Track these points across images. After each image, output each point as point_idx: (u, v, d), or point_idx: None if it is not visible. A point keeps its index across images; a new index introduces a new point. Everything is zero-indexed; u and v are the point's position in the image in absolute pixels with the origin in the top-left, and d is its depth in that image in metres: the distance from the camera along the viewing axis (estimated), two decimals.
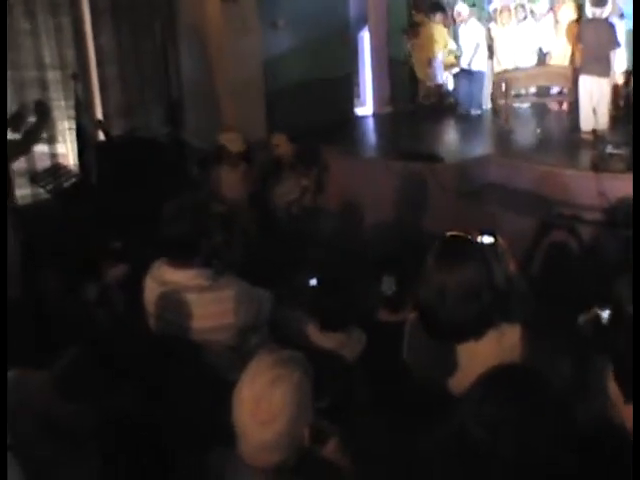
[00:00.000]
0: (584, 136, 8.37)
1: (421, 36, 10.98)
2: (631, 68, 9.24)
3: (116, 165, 6.00)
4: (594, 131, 8.29)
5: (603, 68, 8.17)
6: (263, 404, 1.86)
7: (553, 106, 10.45)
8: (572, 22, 10.19)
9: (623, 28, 9.35)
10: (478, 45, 10.56)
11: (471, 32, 10.61)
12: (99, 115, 6.84)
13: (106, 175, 6.02)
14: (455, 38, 10.94)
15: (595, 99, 8.23)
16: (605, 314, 2.71)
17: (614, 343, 2.28)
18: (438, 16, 10.87)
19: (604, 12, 8.34)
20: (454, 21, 10.98)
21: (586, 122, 8.40)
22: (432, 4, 11.23)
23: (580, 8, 10.06)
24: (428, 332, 2.67)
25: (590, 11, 8.43)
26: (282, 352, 2.02)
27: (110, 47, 6.85)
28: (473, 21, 10.64)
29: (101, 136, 6.55)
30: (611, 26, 8.56)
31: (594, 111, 8.30)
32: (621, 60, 9.41)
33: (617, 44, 8.43)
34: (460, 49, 10.77)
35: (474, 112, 10.65)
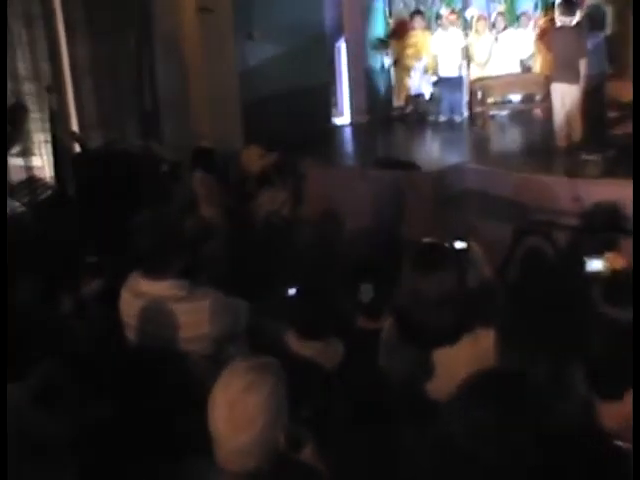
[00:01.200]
0: (559, 142, 8.47)
1: (403, 44, 11.08)
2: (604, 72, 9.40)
3: (92, 177, 5.97)
4: (568, 137, 8.39)
5: (572, 75, 8.28)
6: (238, 409, 1.87)
7: (537, 113, 10.52)
8: (543, 31, 10.38)
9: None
10: (460, 52, 10.64)
11: (450, 39, 10.66)
12: (74, 127, 6.80)
13: (82, 187, 5.99)
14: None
15: (567, 106, 8.34)
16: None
17: (587, 345, 2.31)
18: (417, 21, 10.96)
19: (573, 20, 8.47)
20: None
21: (559, 129, 8.50)
22: (413, 11, 11.35)
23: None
24: (404, 338, 2.69)
25: (559, 20, 8.56)
26: (256, 358, 2.03)
27: (85, 59, 6.82)
28: (453, 28, 10.71)
29: (77, 148, 6.52)
30: (580, 33, 8.69)
31: (567, 117, 8.40)
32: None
33: (586, 52, 8.56)
34: (443, 58, 10.83)
35: (453, 119, 10.74)
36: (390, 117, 11.29)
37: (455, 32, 10.68)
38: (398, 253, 3.12)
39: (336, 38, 11.15)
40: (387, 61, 11.44)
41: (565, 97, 8.31)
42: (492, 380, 1.92)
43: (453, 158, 8.58)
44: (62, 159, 6.09)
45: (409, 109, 11.33)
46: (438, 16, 11.11)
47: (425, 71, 11.08)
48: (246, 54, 8.65)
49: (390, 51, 11.34)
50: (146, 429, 2.45)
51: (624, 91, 9.32)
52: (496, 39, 10.79)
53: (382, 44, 11.47)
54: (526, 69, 10.82)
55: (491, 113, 10.48)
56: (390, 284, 3.04)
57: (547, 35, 9.61)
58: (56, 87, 6.47)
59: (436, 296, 2.57)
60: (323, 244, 6.62)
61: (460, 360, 2.51)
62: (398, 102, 11.44)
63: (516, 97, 10.98)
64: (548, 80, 9.08)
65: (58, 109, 6.34)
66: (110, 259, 4.03)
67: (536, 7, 11.26)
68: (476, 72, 10.77)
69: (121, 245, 3.54)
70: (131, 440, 2.46)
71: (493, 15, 11.08)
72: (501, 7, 11.20)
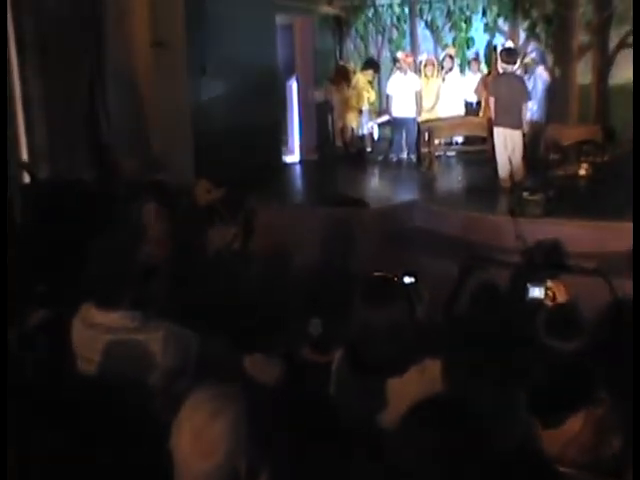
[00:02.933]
0: (502, 183, 8.74)
1: (350, 85, 11.33)
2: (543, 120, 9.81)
3: (41, 207, 5.91)
4: (511, 178, 8.67)
5: (515, 120, 8.61)
6: (203, 436, 1.89)
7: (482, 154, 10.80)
8: (485, 76, 10.78)
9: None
10: (415, 94, 10.92)
11: (406, 81, 10.94)
12: (24, 156, 6.75)
13: (31, 217, 5.92)
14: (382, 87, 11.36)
15: (509, 149, 8.64)
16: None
17: (531, 374, 2.40)
18: (370, 72, 11.31)
19: (514, 67, 8.84)
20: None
21: (502, 170, 8.78)
22: (367, 60, 11.68)
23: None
24: (353, 369, 2.75)
25: (501, 67, 8.91)
26: (220, 386, 2.05)
27: (37, 88, 6.79)
28: (410, 71, 11.02)
29: (26, 178, 6.46)
30: (521, 80, 9.06)
31: (510, 160, 8.69)
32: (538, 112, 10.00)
33: (528, 97, 8.91)
34: (390, 98, 11.09)
35: (403, 159, 10.99)
36: (339, 156, 11.49)
37: (411, 75, 10.99)
38: (346, 288, 3.19)
39: (288, 77, 11.33)
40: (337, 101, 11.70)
41: (507, 140, 8.61)
42: (430, 408, 1.97)
43: (400, 196, 8.77)
44: (11, 188, 6.03)
45: (356, 149, 11.57)
46: (395, 59, 11.42)
47: (370, 113, 11.37)
48: (199, 89, 8.72)
49: (333, 92, 11.62)
50: (99, 460, 2.43)
51: (565, 134, 9.72)
52: (443, 79, 11.13)
53: (331, 84, 11.73)
54: (472, 111, 11.17)
55: (437, 153, 10.76)
56: (338, 319, 3.10)
57: (488, 80, 10.01)
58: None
59: (385, 328, 2.64)
60: (272, 279, 6.66)
61: (410, 390, 2.57)
62: (340, 142, 11.67)
63: (462, 138, 11.33)
64: (491, 123, 9.41)
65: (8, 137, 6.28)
66: (60, 289, 4.00)
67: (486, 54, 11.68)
68: (424, 114, 11.07)
69: (71, 275, 3.53)
70: (84, 471, 2.44)
71: (442, 55, 11.46)
72: (452, 49, 11.58)
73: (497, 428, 2.34)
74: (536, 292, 2.86)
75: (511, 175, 8.72)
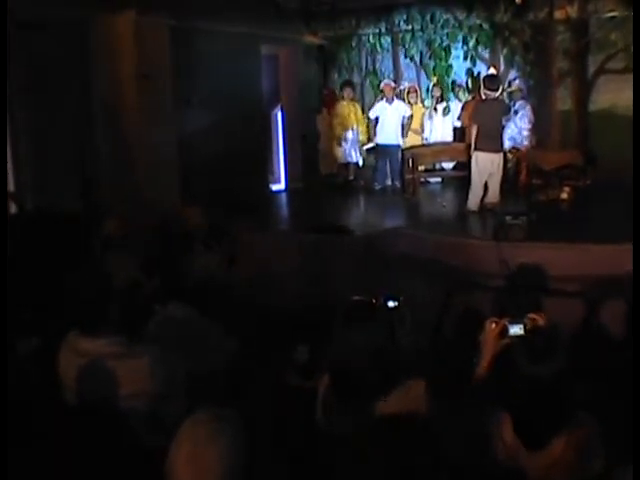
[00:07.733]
0: (470, 207, 8.85)
1: (334, 113, 11.44)
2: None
3: (29, 238, 5.93)
4: (482, 203, 8.80)
5: (497, 145, 8.74)
6: (201, 457, 1.92)
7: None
8: (467, 102, 10.94)
9: None
10: (400, 121, 11.02)
11: (393, 109, 11.06)
12: (12, 188, 6.78)
13: (18, 248, 5.93)
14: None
15: (487, 174, 8.74)
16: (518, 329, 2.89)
17: (513, 395, 2.44)
18: (347, 92, 11.39)
19: (496, 93, 8.99)
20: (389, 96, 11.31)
21: (474, 195, 8.87)
22: (343, 82, 11.80)
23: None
24: (338, 393, 2.78)
25: (484, 93, 9.05)
26: (219, 409, 2.08)
27: (25, 120, 6.84)
28: (395, 99, 11.14)
29: (14, 209, 6.49)
30: (504, 103, 9.22)
31: (486, 185, 8.81)
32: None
33: (508, 118, 9.08)
34: (383, 126, 11.19)
35: (388, 186, 11.07)
36: (324, 184, 11.56)
37: (397, 102, 11.10)
38: (332, 314, 3.23)
39: (273, 106, 11.43)
40: (322, 129, 11.81)
41: (486, 165, 8.72)
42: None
43: (385, 223, 8.85)
44: None
45: (341, 177, 11.66)
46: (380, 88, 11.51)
47: (356, 140, 11.46)
48: (185, 120, 8.79)
49: (319, 120, 11.72)
50: None
51: (546, 159, 9.85)
52: (435, 109, 11.26)
53: (317, 113, 11.85)
54: (460, 137, 11.28)
55: (422, 180, 10.87)
56: (324, 345, 3.13)
57: (471, 106, 10.16)
58: None
59: (367, 352, 2.67)
60: (257, 306, 6.67)
61: (395, 412, 2.61)
62: (325, 170, 11.75)
63: (448, 164, 11.44)
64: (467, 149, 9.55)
65: None
66: (46, 317, 4.02)
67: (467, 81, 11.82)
68: (409, 141, 11.18)
69: (57, 304, 3.55)
70: None
71: (430, 85, 11.61)
72: (435, 78, 11.73)
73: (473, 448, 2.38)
74: (516, 328, 2.86)
75: (483, 200, 8.85)
